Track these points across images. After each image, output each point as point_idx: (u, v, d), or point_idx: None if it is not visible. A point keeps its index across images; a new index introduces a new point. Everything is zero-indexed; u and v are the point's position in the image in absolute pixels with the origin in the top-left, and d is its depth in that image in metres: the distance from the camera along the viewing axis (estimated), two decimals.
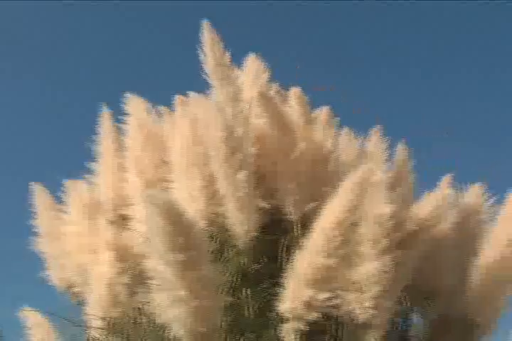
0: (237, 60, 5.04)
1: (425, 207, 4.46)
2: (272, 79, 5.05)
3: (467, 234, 4.69)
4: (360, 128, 5.07)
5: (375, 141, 4.82)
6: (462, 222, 4.75)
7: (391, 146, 4.86)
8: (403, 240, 4.16)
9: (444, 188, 4.80)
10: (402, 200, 4.27)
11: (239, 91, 4.70)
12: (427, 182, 4.97)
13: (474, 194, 4.99)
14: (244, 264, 4.45)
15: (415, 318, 4.73)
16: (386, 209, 4.00)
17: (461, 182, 5.01)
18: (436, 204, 4.46)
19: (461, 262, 4.44)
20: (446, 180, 4.88)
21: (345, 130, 5.03)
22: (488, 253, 4.34)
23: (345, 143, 4.94)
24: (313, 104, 4.90)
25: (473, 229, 4.74)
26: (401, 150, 4.96)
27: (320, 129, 4.78)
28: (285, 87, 5.08)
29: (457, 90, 14.02)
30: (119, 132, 5.19)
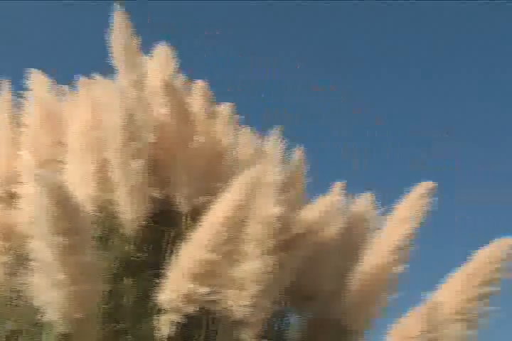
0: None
1: (313, 211, 4.54)
2: (180, 69, 5.02)
3: (353, 241, 4.78)
4: (262, 127, 5.09)
5: (273, 142, 4.85)
6: (349, 228, 4.84)
7: (289, 148, 4.90)
8: (288, 242, 4.22)
9: (334, 194, 4.90)
10: (291, 203, 4.32)
11: (143, 79, 4.67)
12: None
13: (364, 202, 5.10)
14: (128, 252, 4.43)
15: (293, 319, 4.80)
16: (275, 210, 4.04)
17: (353, 189, 5.11)
18: (325, 209, 4.56)
19: (344, 268, 4.52)
20: (337, 186, 4.97)
21: (245, 128, 5.05)
22: (371, 260, 4.43)
23: (243, 141, 4.95)
24: (217, 98, 4.91)
25: (359, 236, 4.83)
26: (297, 153, 5.01)
27: (220, 125, 4.79)
28: (192, 78, 5.08)
29: (457, 90, 14.16)
30: (19, 107, 5.08)
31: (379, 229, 4.61)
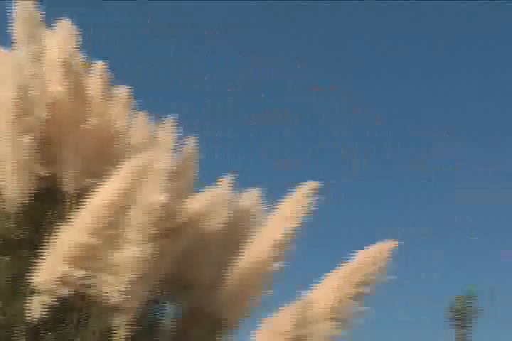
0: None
1: (200, 201, 4.55)
2: (81, 48, 4.92)
3: (235, 234, 4.79)
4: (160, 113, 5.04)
5: (167, 129, 4.83)
6: (233, 222, 4.85)
7: (183, 137, 4.88)
8: (171, 231, 4.20)
9: (222, 186, 4.90)
10: (179, 191, 4.30)
11: (42, 53, 4.57)
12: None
13: (252, 196, 5.12)
14: (8, 229, 4.33)
15: (169, 308, 4.79)
16: (160, 197, 4.02)
17: (242, 183, 5.12)
18: (211, 200, 4.57)
19: (224, 261, 4.53)
20: (226, 179, 4.98)
21: (142, 113, 4.99)
22: (250, 255, 4.46)
23: (138, 126, 4.90)
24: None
25: (242, 230, 4.85)
26: (190, 142, 4.98)
27: (116, 107, 4.73)
28: (93, 58, 4.98)
29: (457, 90, 14.22)
30: None
31: (262, 225, 4.64)
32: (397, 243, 4.37)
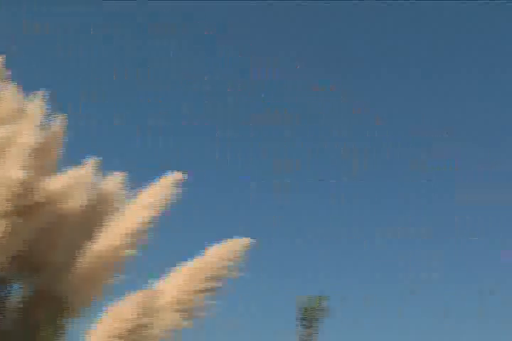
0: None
1: (60, 181, 4.45)
2: None
3: (93, 218, 4.72)
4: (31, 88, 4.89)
5: (36, 104, 4.69)
6: (94, 205, 4.78)
7: (52, 114, 4.75)
8: (26, 209, 4.09)
9: (84, 168, 4.81)
10: (39, 169, 4.19)
11: None
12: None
13: (115, 181, 5.05)
14: None
15: (15, 288, 4.66)
16: (18, 173, 3.91)
17: (108, 168, 5.03)
18: (71, 181, 4.48)
19: (78, 244, 4.46)
20: (91, 161, 4.88)
21: (11, 84, 4.83)
22: (105, 241, 4.41)
23: (5, 98, 4.74)
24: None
25: (101, 214, 4.78)
26: (59, 120, 4.86)
27: None
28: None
29: (457, 90, 14.16)
30: None
31: (122, 211, 4.59)
32: (249, 240, 4.42)
